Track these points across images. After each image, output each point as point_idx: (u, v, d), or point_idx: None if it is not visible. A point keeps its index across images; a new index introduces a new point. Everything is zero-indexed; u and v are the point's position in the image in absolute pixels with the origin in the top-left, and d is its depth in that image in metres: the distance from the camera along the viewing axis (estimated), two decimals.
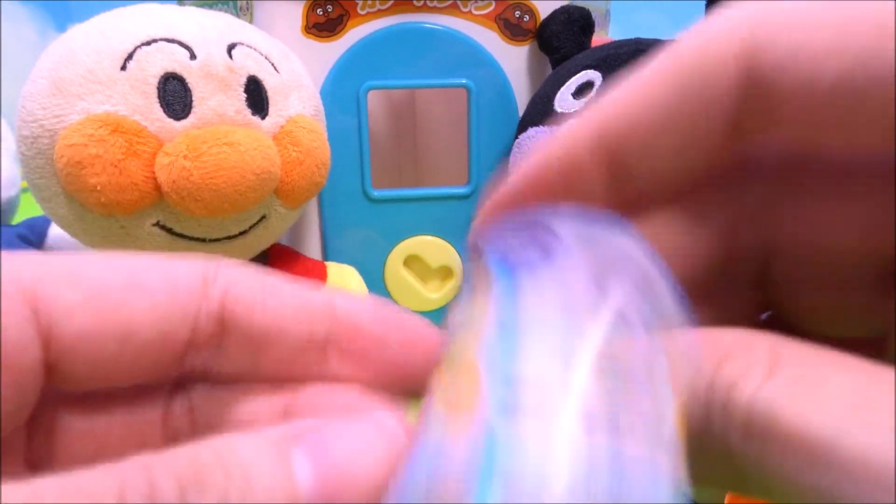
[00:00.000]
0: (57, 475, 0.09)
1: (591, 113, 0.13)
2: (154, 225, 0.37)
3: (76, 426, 0.13)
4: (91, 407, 0.13)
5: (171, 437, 0.13)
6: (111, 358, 0.12)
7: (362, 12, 0.50)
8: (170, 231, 0.38)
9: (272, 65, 0.40)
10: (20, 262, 0.11)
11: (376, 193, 0.53)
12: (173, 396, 0.14)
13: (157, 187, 0.35)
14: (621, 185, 0.14)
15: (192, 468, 0.10)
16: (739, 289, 0.15)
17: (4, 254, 0.11)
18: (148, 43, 0.36)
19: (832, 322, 0.14)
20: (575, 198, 0.14)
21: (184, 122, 0.36)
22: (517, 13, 0.52)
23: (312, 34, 0.50)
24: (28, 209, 0.59)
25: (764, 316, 0.16)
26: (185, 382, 0.14)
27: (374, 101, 0.57)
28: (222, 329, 0.13)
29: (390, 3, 0.50)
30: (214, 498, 0.10)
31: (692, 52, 0.12)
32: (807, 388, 0.10)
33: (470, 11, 0.51)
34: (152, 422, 0.13)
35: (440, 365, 0.12)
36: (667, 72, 0.12)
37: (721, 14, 0.12)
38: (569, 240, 0.12)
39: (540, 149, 0.14)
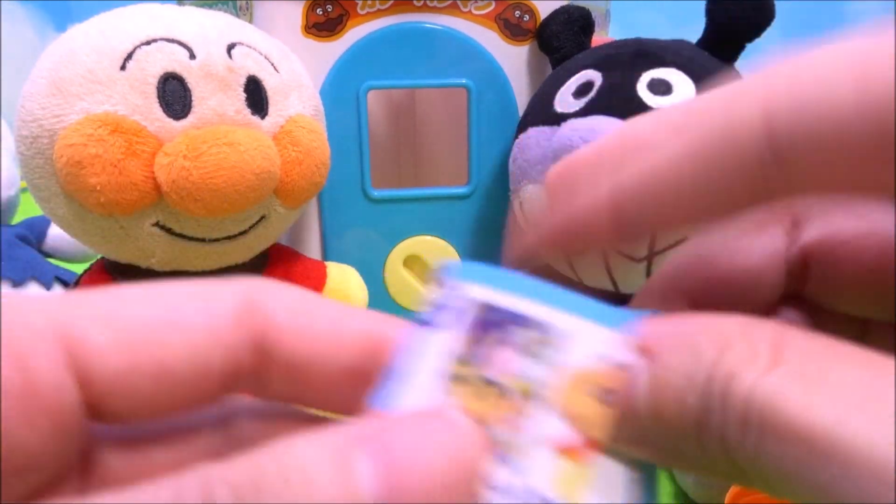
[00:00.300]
0: (112, 491, 0.09)
1: (610, 180, 0.13)
2: (153, 225, 0.37)
3: (128, 461, 0.13)
4: (142, 443, 0.13)
5: None
6: (148, 395, 0.12)
7: (362, 12, 0.50)
8: (169, 231, 0.38)
9: (272, 65, 0.40)
10: (55, 304, 0.11)
11: (376, 193, 0.53)
12: (222, 427, 0.14)
13: (157, 187, 0.35)
14: (632, 239, 0.14)
15: (248, 474, 0.10)
16: (768, 270, 0.15)
17: (40, 296, 0.11)
18: (147, 43, 0.36)
19: (861, 302, 0.14)
20: (584, 245, 0.14)
21: (183, 122, 0.36)
22: (517, 13, 0.52)
23: (312, 34, 0.50)
24: (28, 209, 0.59)
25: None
26: (232, 414, 0.14)
27: (374, 101, 0.57)
28: (264, 358, 0.12)
29: (390, 3, 0.50)
30: None
31: (717, 115, 0.12)
32: (809, 381, 0.10)
33: (470, 11, 0.51)
34: (204, 453, 0.13)
35: None
36: (692, 138, 0.12)
37: (740, 80, 0.12)
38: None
39: (558, 209, 0.14)
